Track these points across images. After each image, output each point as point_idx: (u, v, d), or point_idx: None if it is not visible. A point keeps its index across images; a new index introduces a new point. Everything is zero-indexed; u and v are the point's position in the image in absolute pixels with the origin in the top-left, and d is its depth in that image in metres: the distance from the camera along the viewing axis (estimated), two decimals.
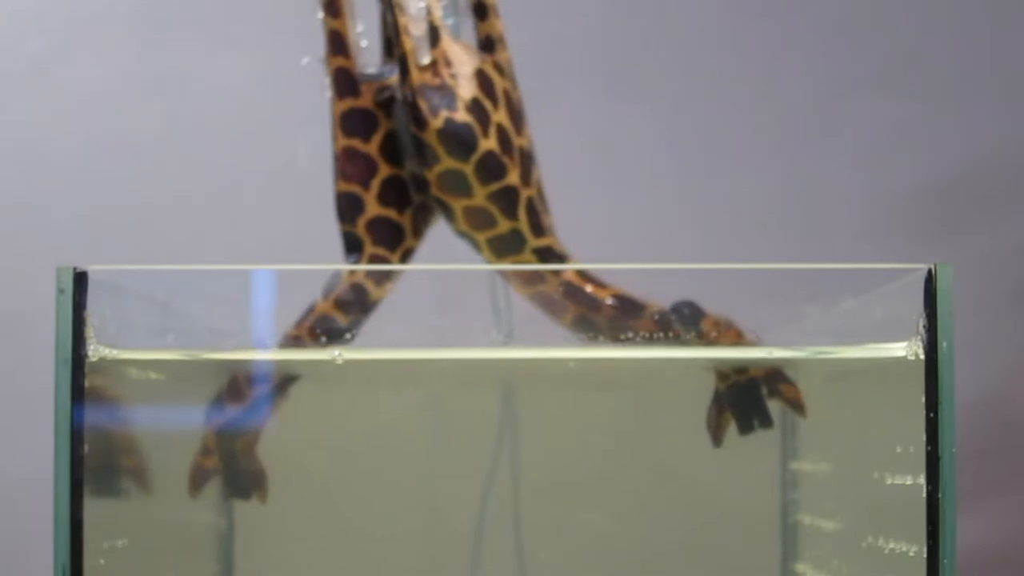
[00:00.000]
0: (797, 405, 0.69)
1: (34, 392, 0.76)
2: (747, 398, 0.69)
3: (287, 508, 0.70)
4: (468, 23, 0.73)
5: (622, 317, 0.68)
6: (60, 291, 0.61)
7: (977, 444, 1.10)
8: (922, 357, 0.60)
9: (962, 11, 1.17)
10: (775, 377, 0.69)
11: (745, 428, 0.69)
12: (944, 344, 0.60)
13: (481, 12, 0.73)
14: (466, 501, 0.70)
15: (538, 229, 0.70)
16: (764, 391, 0.69)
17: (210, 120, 1.15)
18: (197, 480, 0.69)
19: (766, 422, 0.69)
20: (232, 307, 0.65)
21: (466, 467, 0.70)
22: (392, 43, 0.72)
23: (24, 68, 1.15)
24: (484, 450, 0.70)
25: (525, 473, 0.70)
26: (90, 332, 0.61)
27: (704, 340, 0.67)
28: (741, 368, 0.69)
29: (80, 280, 0.61)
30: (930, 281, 0.61)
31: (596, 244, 0.74)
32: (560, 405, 0.70)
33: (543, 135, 0.73)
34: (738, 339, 0.67)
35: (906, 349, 0.61)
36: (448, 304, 0.69)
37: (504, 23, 0.73)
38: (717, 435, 0.69)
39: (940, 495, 0.59)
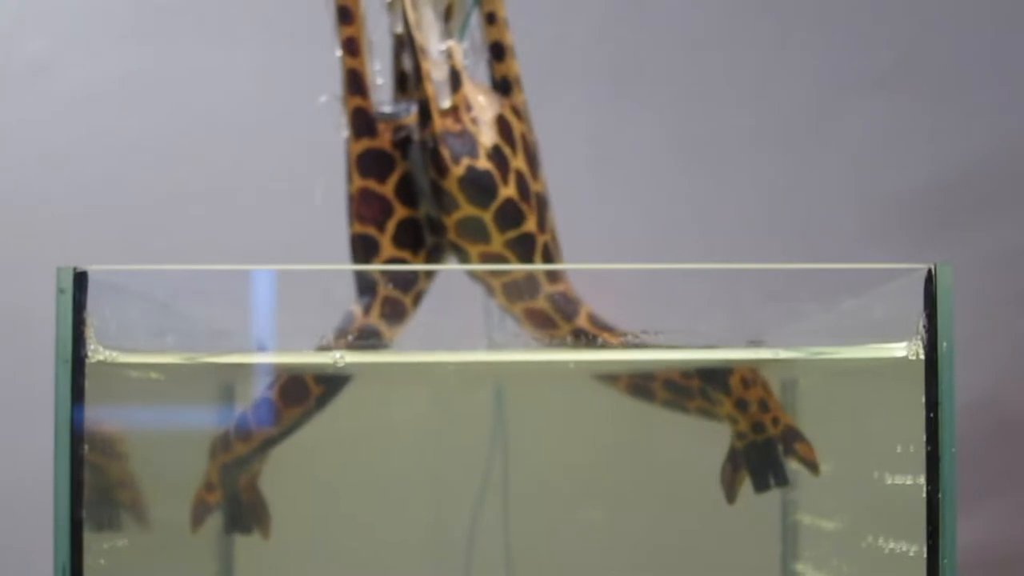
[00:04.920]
0: (812, 465, 0.68)
1: (34, 392, 0.76)
2: (764, 457, 0.68)
3: (284, 507, 0.70)
4: (482, 64, 0.72)
5: (641, 376, 0.68)
6: (60, 291, 0.61)
7: (977, 444, 1.10)
8: (922, 357, 0.61)
9: (962, 11, 1.17)
10: (791, 436, 0.68)
11: (761, 486, 0.69)
12: (944, 344, 0.60)
13: (499, 53, 0.72)
14: (461, 502, 0.70)
15: (552, 274, 0.69)
16: (781, 449, 0.68)
17: (210, 120, 1.15)
18: (199, 515, 0.69)
19: (782, 480, 0.69)
20: (232, 307, 0.65)
21: (461, 468, 0.70)
22: (406, 79, 0.71)
23: (24, 68, 1.15)
24: (478, 452, 0.70)
25: (523, 474, 0.70)
26: (90, 332, 0.61)
27: (732, 397, 0.68)
28: (759, 427, 0.68)
29: (80, 280, 0.61)
30: (930, 281, 0.61)
31: (596, 244, 0.74)
32: (558, 405, 0.70)
33: (541, 136, 0.73)
34: (766, 393, 0.68)
35: (906, 349, 0.61)
36: (444, 305, 0.69)
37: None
38: (731, 492, 0.69)
39: (940, 495, 0.59)
